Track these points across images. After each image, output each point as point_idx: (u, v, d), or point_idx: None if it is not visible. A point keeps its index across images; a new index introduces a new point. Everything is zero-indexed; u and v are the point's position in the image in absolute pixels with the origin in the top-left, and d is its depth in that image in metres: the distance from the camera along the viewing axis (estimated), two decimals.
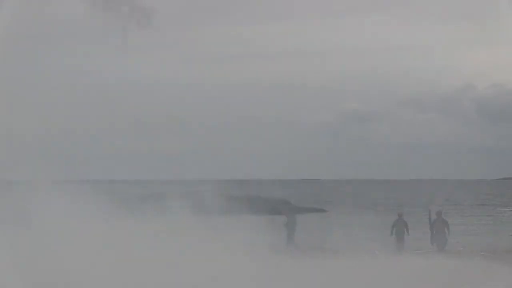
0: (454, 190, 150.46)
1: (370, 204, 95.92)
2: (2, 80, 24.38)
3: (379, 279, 22.52)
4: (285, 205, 66.68)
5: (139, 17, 26.85)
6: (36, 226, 22.46)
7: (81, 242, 21.87)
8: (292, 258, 27.20)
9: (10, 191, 23.22)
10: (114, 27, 27.11)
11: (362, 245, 32.35)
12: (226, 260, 24.35)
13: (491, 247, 37.26)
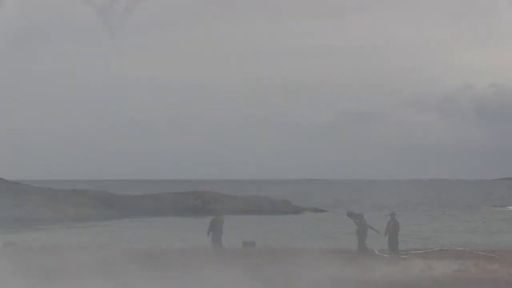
0: (453, 190, 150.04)
1: (369, 204, 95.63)
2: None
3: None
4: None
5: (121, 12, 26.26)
6: None
7: None
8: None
9: None
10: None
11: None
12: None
13: (491, 246, 37.03)
